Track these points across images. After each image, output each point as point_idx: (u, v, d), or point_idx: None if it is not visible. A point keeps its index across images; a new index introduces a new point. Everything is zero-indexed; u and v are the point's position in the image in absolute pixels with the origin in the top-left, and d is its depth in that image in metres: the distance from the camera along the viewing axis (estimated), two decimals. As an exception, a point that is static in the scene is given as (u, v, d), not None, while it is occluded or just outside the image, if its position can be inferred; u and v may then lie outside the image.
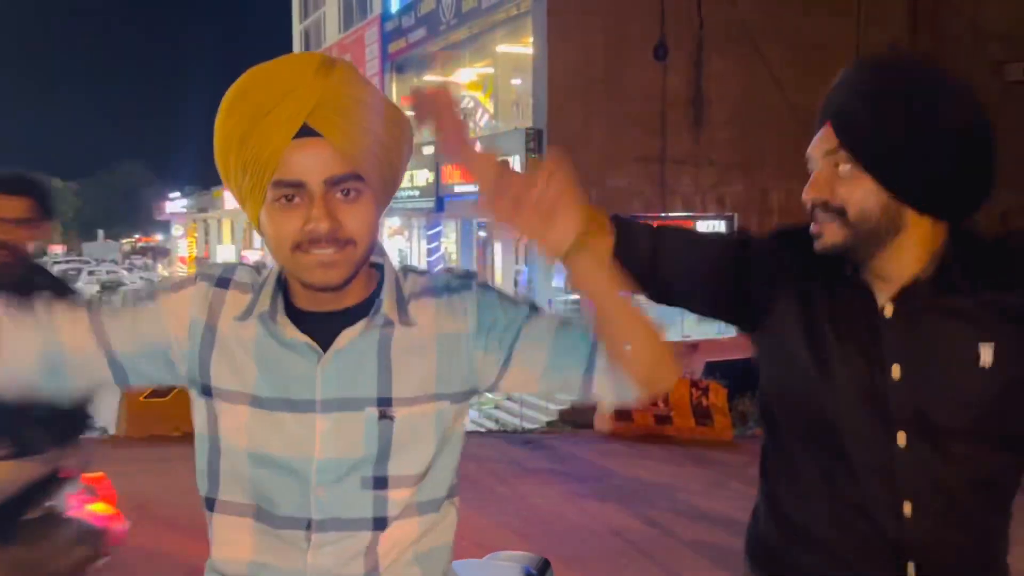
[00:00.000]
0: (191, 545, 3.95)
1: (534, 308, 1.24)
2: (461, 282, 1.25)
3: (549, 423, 13.55)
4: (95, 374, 1.22)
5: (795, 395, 1.34)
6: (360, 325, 1.18)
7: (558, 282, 18.69)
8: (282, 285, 1.22)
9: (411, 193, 19.01)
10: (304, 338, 1.17)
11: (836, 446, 1.29)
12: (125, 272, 50.83)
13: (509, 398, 16.33)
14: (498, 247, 18.42)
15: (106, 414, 9.00)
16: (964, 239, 1.28)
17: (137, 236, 76.00)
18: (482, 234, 20.58)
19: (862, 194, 1.21)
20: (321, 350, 1.18)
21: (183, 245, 50.50)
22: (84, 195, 73.65)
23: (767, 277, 1.37)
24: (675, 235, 1.48)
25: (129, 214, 72.70)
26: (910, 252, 1.26)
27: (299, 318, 1.20)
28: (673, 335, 15.04)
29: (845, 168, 1.22)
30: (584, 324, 1.20)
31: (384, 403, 1.17)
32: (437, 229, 20.64)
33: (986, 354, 1.22)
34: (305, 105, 1.09)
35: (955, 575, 1.30)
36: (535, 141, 13.97)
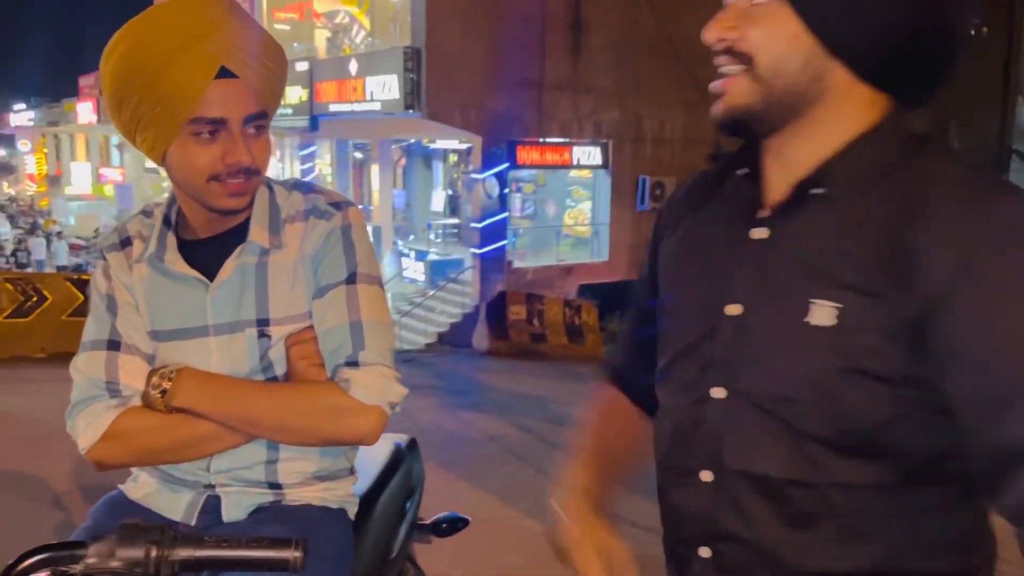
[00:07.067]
0: (57, 463, 3.90)
1: (351, 279, 1.29)
2: (328, 209, 1.33)
3: (427, 345, 13.74)
4: None
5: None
6: (239, 252, 1.30)
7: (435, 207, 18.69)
8: (169, 223, 1.34)
9: (283, 112, 18.32)
10: (193, 272, 1.30)
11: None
12: (-35, 191, 46.84)
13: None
14: (375, 169, 18.12)
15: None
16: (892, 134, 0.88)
17: (-23, 152, 69.85)
18: (358, 155, 20.16)
19: (780, 36, 0.85)
20: (208, 281, 1.30)
21: (31, 162, 46.83)
22: (-88, 105, 66.78)
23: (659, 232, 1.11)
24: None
25: (-34, 127, 66.50)
26: (822, 139, 0.88)
27: (189, 250, 1.32)
28: (549, 259, 15.39)
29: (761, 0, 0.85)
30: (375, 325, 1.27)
31: (263, 323, 1.30)
32: (311, 149, 20.05)
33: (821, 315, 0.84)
34: (223, 46, 1.18)
35: None
36: (414, 61, 13.70)
